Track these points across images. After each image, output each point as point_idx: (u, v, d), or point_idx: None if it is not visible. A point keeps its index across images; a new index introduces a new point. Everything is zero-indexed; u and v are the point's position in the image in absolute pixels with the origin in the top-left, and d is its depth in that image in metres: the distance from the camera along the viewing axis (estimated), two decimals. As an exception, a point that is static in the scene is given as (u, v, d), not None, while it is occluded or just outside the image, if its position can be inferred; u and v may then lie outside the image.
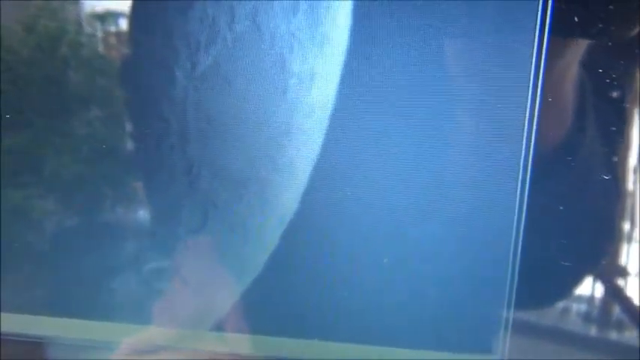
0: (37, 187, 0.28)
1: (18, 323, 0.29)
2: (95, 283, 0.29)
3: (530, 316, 0.26)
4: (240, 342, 0.28)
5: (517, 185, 0.24)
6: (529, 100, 0.23)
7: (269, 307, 0.27)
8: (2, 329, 0.29)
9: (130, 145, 0.26)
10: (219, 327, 0.28)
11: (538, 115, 0.23)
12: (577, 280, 0.25)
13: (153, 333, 0.28)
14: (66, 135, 0.27)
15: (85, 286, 0.29)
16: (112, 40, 0.26)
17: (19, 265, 0.29)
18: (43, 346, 0.29)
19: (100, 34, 0.26)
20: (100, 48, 0.26)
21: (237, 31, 0.23)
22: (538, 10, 0.22)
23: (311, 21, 0.23)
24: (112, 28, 0.26)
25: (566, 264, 0.24)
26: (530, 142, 0.23)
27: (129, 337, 0.28)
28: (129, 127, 0.26)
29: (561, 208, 0.24)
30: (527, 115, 0.23)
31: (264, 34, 0.23)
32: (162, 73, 0.24)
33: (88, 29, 0.26)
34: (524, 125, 0.23)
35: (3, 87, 0.27)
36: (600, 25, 0.22)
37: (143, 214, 0.27)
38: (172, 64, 0.24)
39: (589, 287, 0.26)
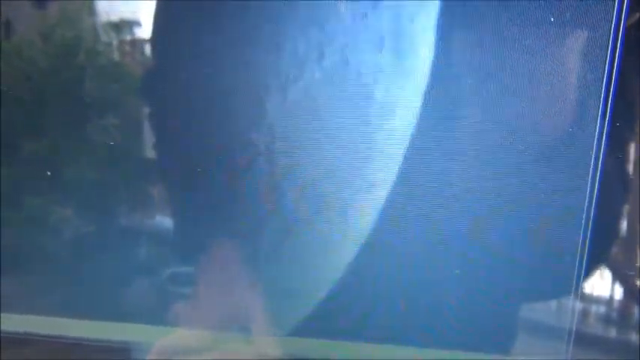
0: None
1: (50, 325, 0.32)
2: (176, 294, 0.31)
3: (594, 320, 0.28)
4: (320, 347, 0.30)
5: (585, 198, 0.26)
6: (600, 113, 0.25)
7: (348, 314, 0.29)
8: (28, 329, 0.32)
9: (220, 167, 0.28)
10: (296, 333, 0.30)
11: (608, 128, 0.25)
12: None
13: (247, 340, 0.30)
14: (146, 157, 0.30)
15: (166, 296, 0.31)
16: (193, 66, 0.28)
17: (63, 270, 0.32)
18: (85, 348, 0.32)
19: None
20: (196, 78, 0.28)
21: (326, 64, 0.26)
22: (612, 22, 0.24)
23: (395, 54, 0.25)
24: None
25: (630, 273, 0.26)
26: (599, 155, 0.25)
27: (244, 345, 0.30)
28: (223, 149, 0.28)
29: (625, 223, 0.26)
30: (598, 127, 0.25)
31: (351, 68, 0.26)
32: (255, 101, 0.27)
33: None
34: (594, 136, 0.25)
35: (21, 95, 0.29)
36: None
37: (232, 229, 0.30)
38: (264, 93, 0.27)
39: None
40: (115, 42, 0.29)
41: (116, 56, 0.29)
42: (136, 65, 0.29)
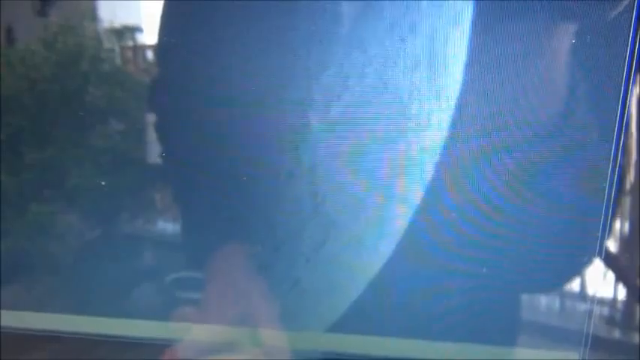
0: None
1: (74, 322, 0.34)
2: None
3: (610, 319, 0.31)
4: (353, 342, 0.33)
5: (604, 199, 0.28)
6: (618, 116, 0.27)
7: (383, 310, 0.32)
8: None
9: (267, 175, 0.31)
10: (334, 328, 0.33)
11: (626, 128, 0.27)
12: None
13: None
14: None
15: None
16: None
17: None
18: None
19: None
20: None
21: (366, 83, 0.28)
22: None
23: (430, 74, 0.27)
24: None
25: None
26: (618, 154, 0.28)
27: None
28: (265, 160, 0.30)
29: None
30: (616, 130, 0.27)
31: (388, 86, 0.28)
32: (299, 117, 0.29)
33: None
34: (612, 139, 0.28)
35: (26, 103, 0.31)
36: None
37: (276, 232, 0.32)
38: (308, 109, 0.29)
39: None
40: (123, 48, 0.31)
41: (122, 62, 0.31)
42: (152, 71, 0.31)
